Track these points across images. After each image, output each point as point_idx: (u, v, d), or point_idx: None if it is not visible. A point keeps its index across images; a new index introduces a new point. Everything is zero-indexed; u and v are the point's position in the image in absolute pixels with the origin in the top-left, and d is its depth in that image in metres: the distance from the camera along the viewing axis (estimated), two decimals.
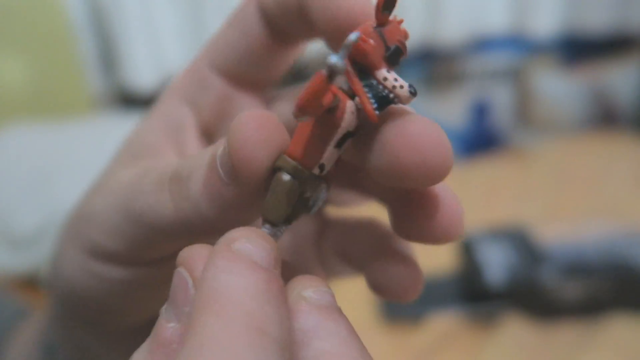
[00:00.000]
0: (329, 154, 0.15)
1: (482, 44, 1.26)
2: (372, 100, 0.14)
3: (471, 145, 1.31)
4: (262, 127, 0.14)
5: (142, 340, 0.18)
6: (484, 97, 1.31)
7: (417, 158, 0.14)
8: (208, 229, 0.16)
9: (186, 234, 0.16)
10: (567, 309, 0.66)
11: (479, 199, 0.98)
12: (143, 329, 0.21)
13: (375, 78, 0.14)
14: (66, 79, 1.06)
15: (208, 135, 0.20)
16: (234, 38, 0.19)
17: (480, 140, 1.32)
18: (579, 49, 1.31)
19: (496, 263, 0.70)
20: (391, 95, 0.14)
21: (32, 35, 1.02)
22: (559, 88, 1.28)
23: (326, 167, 0.15)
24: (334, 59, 0.12)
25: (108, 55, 1.08)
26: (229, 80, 0.19)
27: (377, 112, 0.14)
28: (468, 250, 0.73)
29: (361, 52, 0.14)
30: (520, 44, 1.28)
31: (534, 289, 0.66)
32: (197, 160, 0.16)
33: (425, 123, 0.14)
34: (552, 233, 0.76)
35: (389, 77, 0.14)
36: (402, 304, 0.72)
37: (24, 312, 0.36)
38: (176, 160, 0.17)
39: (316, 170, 0.15)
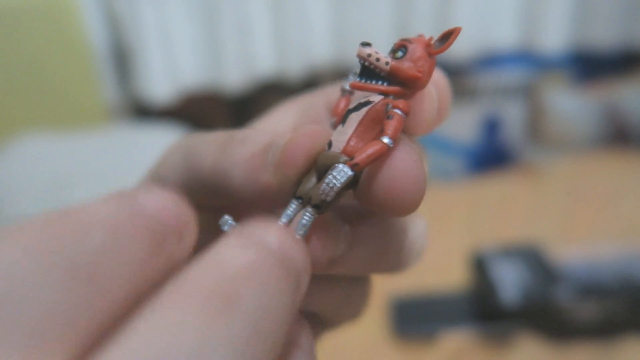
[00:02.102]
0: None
1: (492, 60, 1.26)
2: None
3: (482, 161, 1.30)
4: (310, 147, 0.16)
5: None
6: (495, 113, 1.31)
7: (391, 180, 0.15)
8: (232, 189, 0.18)
9: (218, 185, 0.18)
10: (581, 329, 0.65)
11: (491, 216, 0.98)
12: None
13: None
14: (82, 89, 1.07)
15: None
16: None
17: (491, 156, 1.32)
18: (590, 65, 1.31)
19: (510, 281, 0.69)
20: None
21: (49, 46, 1.03)
22: (570, 105, 1.28)
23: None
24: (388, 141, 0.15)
25: (124, 67, 1.09)
26: (330, 109, 0.21)
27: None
28: (481, 268, 0.73)
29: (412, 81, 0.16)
30: (529, 60, 1.28)
31: (548, 308, 0.66)
32: (258, 134, 0.18)
33: (404, 154, 0.16)
34: (566, 252, 0.76)
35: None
36: (413, 317, 0.71)
37: None
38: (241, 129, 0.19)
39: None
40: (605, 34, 1.23)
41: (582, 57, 1.30)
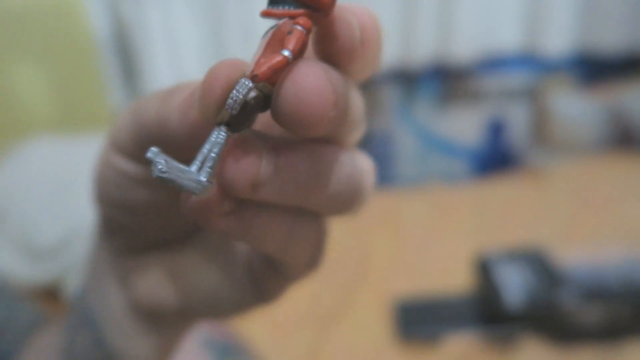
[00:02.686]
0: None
1: (495, 62, 1.27)
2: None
3: (487, 164, 1.31)
4: (226, 74, 0.16)
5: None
6: (500, 115, 1.32)
7: (290, 92, 0.16)
8: (171, 136, 0.18)
9: (160, 135, 0.19)
10: (586, 332, 0.66)
11: (495, 218, 0.98)
12: (162, 245, 0.24)
13: None
14: (88, 92, 1.08)
15: None
16: None
17: (496, 158, 1.32)
18: (594, 68, 1.31)
19: (514, 285, 0.69)
20: None
21: (55, 49, 1.04)
22: (575, 108, 1.28)
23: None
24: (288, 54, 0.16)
25: (129, 70, 1.10)
26: None
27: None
28: (486, 271, 0.73)
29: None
30: (533, 63, 1.28)
31: (553, 312, 0.66)
32: (190, 84, 0.19)
33: (305, 68, 0.16)
34: (570, 255, 0.76)
35: None
36: (418, 320, 0.71)
37: (41, 319, 0.36)
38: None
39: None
40: (610, 38, 1.23)
41: (586, 60, 1.30)
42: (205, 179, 0.16)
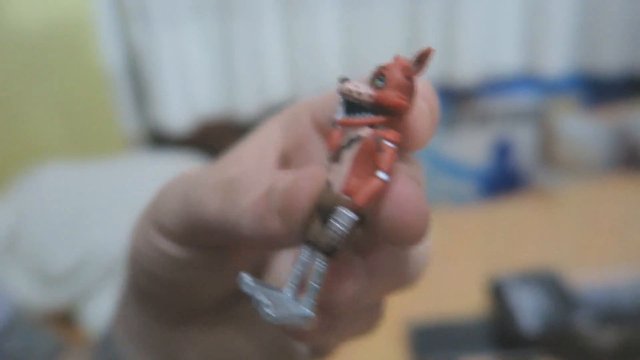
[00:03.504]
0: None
1: (498, 85, 1.28)
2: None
3: (494, 185, 1.31)
4: (314, 187, 0.16)
5: (199, 328, 0.22)
6: (506, 137, 1.32)
7: (390, 217, 0.16)
8: (240, 237, 0.18)
9: (224, 234, 0.18)
10: (602, 355, 0.65)
11: (506, 240, 0.98)
12: (197, 319, 0.23)
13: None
14: (99, 118, 1.09)
15: (284, 158, 0.23)
16: (330, 104, 0.21)
17: (503, 180, 1.32)
18: (596, 89, 1.32)
19: (528, 308, 0.69)
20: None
21: (66, 75, 1.05)
22: (581, 129, 1.29)
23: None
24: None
25: (141, 95, 1.11)
26: (315, 123, 0.22)
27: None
28: (499, 294, 0.73)
29: (394, 108, 0.17)
30: (536, 85, 1.29)
31: (568, 335, 0.65)
32: (256, 180, 0.18)
33: (403, 187, 0.16)
34: (583, 278, 0.76)
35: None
36: (432, 344, 0.71)
37: (61, 347, 0.37)
38: (239, 171, 0.19)
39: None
40: (610, 58, 1.24)
41: (588, 81, 1.31)
42: (311, 312, 0.16)
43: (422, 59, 0.17)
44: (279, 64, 1.12)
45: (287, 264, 0.22)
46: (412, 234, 0.16)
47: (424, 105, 0.18)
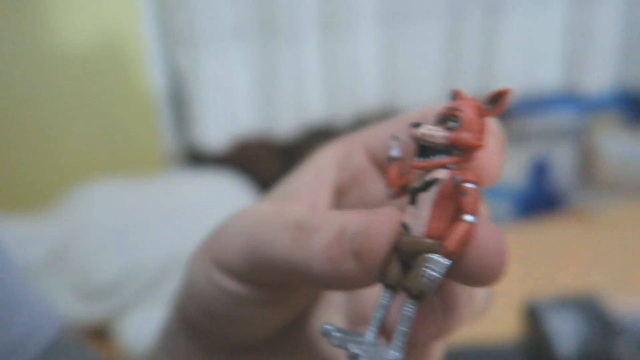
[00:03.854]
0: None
1: (538, 102, 1.26)
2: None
3: (532, 206, 1.29)
4: (390, 230, 0.16)
5: None
6: (544, 156, 1.30)
7: (476, 260, 0.16)
8: (311, 279, 0.18)
9: (294, 275, 0.18)
10: None
11: (543, 262, 0.96)
12: (249, 350, 0.23)
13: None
14: (142, 138, 1.13)
15: (339, 194, 0.23)
16: (385, 135, 0.21)
17: (541, 200, 1.30)
18: (638, 107, 1.29)
19: (566, 333, 0.68)
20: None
21: (112, 94, 1.09)
22: (623, 148, 1.26)
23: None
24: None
25: (182, 116, 1.15)
26: (369, 157, 0.22)
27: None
28: (535, 319, 0.71)
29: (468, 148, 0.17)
30: (577, 102, 1.27)
31: None
32: (326, 221, 0.18)
33: (488, 231, 0.16)
34: (625, 303, 0.74)
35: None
36: None
37: None
38: (306, 211, 0.20)
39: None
40: None
41: (631, 98, 1.28)
42: (402, 355, 0.16)
43: (499, 98, 0.17)
44: (318, 85, 1.13)
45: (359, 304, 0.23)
46: (493, 276, 0.16)
47: (494, 141, 0.18)
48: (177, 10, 1.05)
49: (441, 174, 0.17)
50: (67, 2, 1.01)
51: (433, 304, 0.17)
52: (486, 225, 0.16)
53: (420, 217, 0.16)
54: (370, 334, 0.17)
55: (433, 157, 0.17)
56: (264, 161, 1.20)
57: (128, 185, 1.00)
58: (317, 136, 1.17)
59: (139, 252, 0.87)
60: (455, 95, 0.18)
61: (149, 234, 0.89)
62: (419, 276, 0.16)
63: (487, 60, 1.18)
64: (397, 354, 0.16)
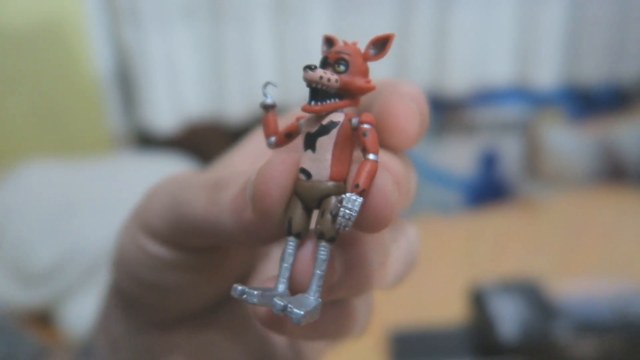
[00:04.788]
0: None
1: (488, 96, 1.29)
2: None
3: (480, 195, 1.32)
4: (283, 172, 0.16)
5: (185, 332, 0.22)
6: (493, 147, 1.33)
7: (373, 201, 0.16)
8: (224, 235, 0.18)
9: (210, 233, 0.18)
10: None
11: (489, 250, 0.99)
12: (184, 325, 0.23)
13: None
14: (86, 119, 1.09)
15: None
16: None
17: (489, 190, 1.33)
18: (583, 102, 1.34)
19: (508, 317, 0.70)
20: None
21: (56, 74, 1.05)
22: (567, 141, 1.30)
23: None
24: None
25: (128, 95, 1.11)
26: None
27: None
28: (480, 303, 0.73)
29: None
30: (525, 96, 1.31)
31: (547, 344, 0.66)
32: (237, 176, 0.18)
33: (380, 180, 0.16)
34: (564, 288, 0.76)
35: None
36: (412, 351, 0.71)
37: (43, 353, 0.36)
38: (225, 172, 0.20)
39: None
40: (594, 71, 1.27)
41: (575, 94, 1.33)
42: (320, 300, 0.16)
43: (380, 42, 0.17)
44: (269, 68, 1.12)
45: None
46: (374, 224, 0.16)
47: (414, 105, 0.18)
48: None
49: (338, 117, 0.17)
50: None
51: (344, 253, 0.17)
52: (385, 179, 0.16)
53: (322, 160, 0.17)
54: (281, 286, 0.16)
55: (328, 101, 0.17)
56: (214, 145, 1.17)
57: (70, 165, 0.96)
58: None
59: (80, 236, 0.84)
60: (330, 41, 0.18)
61: (90, 216, 0.85)
62: (335, 216, 0.16)
63: (438, 53, 1.19)
64: (317, 299, 0.16)
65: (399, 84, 0.19)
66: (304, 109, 0.17)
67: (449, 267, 0.92)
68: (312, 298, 0.16)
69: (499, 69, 1.24)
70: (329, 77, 0.17)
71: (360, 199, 0.16)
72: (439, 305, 0.81)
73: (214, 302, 0.23)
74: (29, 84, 1.04)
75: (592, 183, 1.26)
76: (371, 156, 0.16)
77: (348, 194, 0.16)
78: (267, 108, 0.19)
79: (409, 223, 0.21)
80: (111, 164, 1.01)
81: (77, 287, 0.83)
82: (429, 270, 0.92)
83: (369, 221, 0.16)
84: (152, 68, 1.05)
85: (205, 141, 1.19)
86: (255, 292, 0.16)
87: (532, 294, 0.73)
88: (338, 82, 0.17)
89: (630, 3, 1.21)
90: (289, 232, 0.17)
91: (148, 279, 0.21)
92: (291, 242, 0.17)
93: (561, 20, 1.21)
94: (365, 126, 0.17)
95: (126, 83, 1.10)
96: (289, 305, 0.15)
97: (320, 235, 0.16)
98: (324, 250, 0.16)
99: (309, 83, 0.17)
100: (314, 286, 0.16)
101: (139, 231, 0.21)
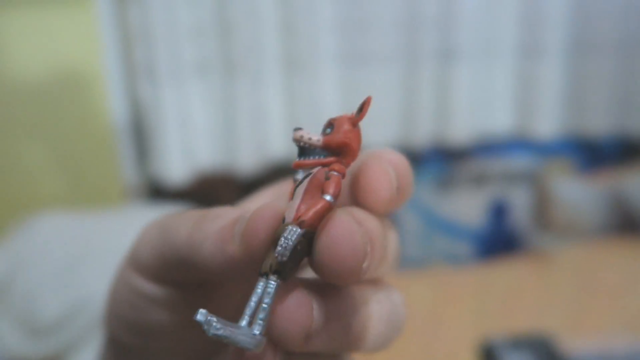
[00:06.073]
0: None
1: (492, 147, 1.30)
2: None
3: (490, 247, 1.31)
4: (272, 218, 0.17)
5: None
6: (502, 198, 1.33)
7: (326, 252, 0.16)
8: (199, 264, 0.19)
9: (192, 262, 0.19)
10: None
11: (500, 303, 0.97)
12: None
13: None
14: (100, 170, 1.11)
15: None
16: None
17: (499, 241, 1.32)
18: (589, 154, 1.35)
19: None
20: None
21: (71, 126, 1.08)
22: (576, 192, 1.30)
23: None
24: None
25: (143, 149, 1.14)
26: None
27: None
28: (491, 357, 0.72)
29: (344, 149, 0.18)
30: (529, 147, 1.32)
31: None
32: (227, 211, 0.19)
33: (340, 219, 0.16)
34: (577, 343, 0.75)
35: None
36: None
37: None
38: (216, 208, 0.20)
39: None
40: (599, 122, 1.28)
41: (579, 144, 1.34)
42: (259, 333, 0.16)
43: (362, 107, 0.19)
44: (279, 122, 1.15)
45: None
46: (341, 268, 0.16)
47: (389, 169, 0.19)
48: (139, 43, 1.05)
49: (316, 169, 0.18)
50: (25, 33, 1.01)
51: (305, 296, 0.17)
52: (342, 219, 0.16)
53: (292, 206, 0.18)
54: (243, 321, 0.17)
55: (311, 157, 0.18)
56: (224, 196, 1.19)
57: (82, 217, 0.97)
58: (278, 173, 1.17)
59: (89, 287, 0.84)
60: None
61: (100, 268, 0.85)
62: (275, 247, 0.16)
63: (441, 105, 1.22)
64: (255, 331, 0.16)
65: (383, 151, 0.20)
66: (293, 165, 0.19)
67: (459, 320, 0.91)
68: (253, 330, 0.16)
69: (500, 120, 1.27)
70: (310, 136, 0.18)
71: (299, 230, 0.16)
72: (450, 359, 0.79)
73: (201, 356, 0.23)
74: (46, 134, 1.06)
75: (604, 234, 1.24)
76: (325, 196, 0.17)
77: (290, 226, 0.17)
78: (296, 181, 0.20)
79: (394, 288, 0.21)
80: (122, 216, 1.02)
81: (85, 339, 0.82)
82: (439, 323, 0.91)
83: (327, 261, 0.16)
84: (165, 121, 1.08)
85: (216, 192, 1.20)
86: (215, 319, 0.16)
87: (544, 350, 0.72)
88: (319, 140, 0.18)
89: (634, 55, 1.24)
90: (260, 272, 0.17)
91: (136, 320, 0.21)
92: (260, 282, 0.17)
93: (561, 72, 1.24)
94: (332, 172, 0.18)
95: (140, 135, 1.13)
96: (211, 319, 0.16)
97: (270, 270, 0.17)
98: (271, 283, 0.17)
99: (295, 142, 0.18)
100: (258, 319, 0.17)
101: (129, 268, 0.21)
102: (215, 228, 0.18)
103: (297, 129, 0.18)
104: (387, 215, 0.20)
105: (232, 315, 0.23)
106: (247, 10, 1.06)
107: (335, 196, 0.17)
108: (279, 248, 0.16)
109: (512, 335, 0.76)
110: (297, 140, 0.18)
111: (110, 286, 0.23)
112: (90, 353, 0.81)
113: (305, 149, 0.18)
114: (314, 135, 0.18)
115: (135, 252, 0.21)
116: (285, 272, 0.17)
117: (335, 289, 0.18)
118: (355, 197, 0.18)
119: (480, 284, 1.05)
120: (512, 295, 0.99)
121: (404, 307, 0.21)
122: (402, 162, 0.20)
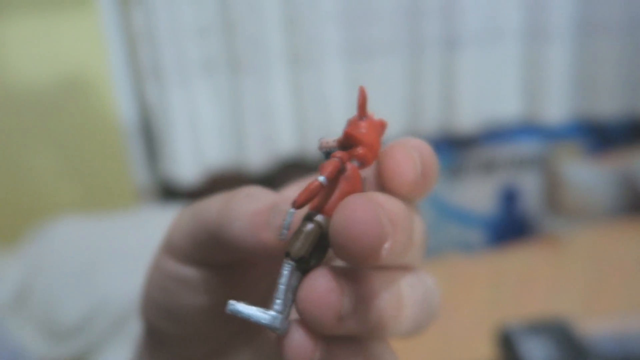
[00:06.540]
0: None
1: (501, 133, 1.30)
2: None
3: (502, 233, 1.31)
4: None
5: None
6: (512, 184, 1.33)
7: (342, 233, 0.16)
8: (228, 243, 0.19)
9: (222, 239, 0.19)
10: None
11: (514, 288, 0.98)
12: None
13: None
14: (113, 173, 1.12)
15: None
16: None
17: (511, 227, 1.32)
18: (598, 136, 1.34)
19: (538, 357, 0.68)
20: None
21: (81, 130, 1.09)
22: (586, 175, 1.30)
23: None
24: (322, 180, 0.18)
25: (153, 151, 1.14)
26: None
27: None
28: (508, 344, 0.72)
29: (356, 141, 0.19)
30: (538, 132, 1.31)
31: None
32: (260, 193, 0.19)
33: (356, 200, 0.16)
34: (594, 326, 0.75)
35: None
36: None
37: None
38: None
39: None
40: (608, 104, 1.27)
41: (589, 127, 1.33)
42: (280, 314, 0.17)
43: (359, 100, 0.20)
44: (287, 118, 1.15)
45: None
46: (358, 248, 0.16)
47: (414, 153, 0.19)
48: (143, 45, 1.06)
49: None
50: (29, 39, 1.01)
51: (334, 280, 0.17)
52: (357, 197, 0.17)
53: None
54: (275, 305, 0.17)
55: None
56: None
57: (96, 221, 0.98)
58: (289, 168, 1.17)
59: (107, 289, 0.85)
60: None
61: (116, 270, 0.87)
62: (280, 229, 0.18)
63: (447, 93, 1.21)
64: (273, 312, 0.17)
65: (408, 139, 0.20)
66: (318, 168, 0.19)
67: (475, 307, 0.92)
68: (270, 312, 0.17)
69: (507, 106, 1.26)
70: (327, 140, 0.19)
71: (292, 210, 0.17)
72: (466, 347, 0.80)
73: (235, 339, 0.23)
74: (56, 140, 1.07)
75: (615, 216, 1.24)
76: (319, 177, 0.18)
77: (288, 209, 0.18)
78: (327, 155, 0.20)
79: (427, 272, 0.21)
80: (136, 217, 1.03)
81: (105, 341, 0.83)
82: (454, 311, 0.91)
83: (341, 242, 0.16)
84: (174, 121, 1.08)
85: (227, 190, 1.21)
86: (243, 303, 0.17)
87: (561, 334, 0.72)
88: (335, 141, 0.19)
89: None
90: (286, 254, 0.18)
91: (170, 305, 0.22)
92: (285, 264, 0.17)
93: (567, 55, 1.23)
94: (333, 159, 0.18)
95: (149, 137, 1.14)
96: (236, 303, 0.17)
97: (289, 253, 0.17)
98: (286, 265, 0.17)
99: (319, 150, 0.19)
100: (276, 299, 0.17)
101: (162, 253, 0.22)
102: (248, 209, 0.19)
103: (320, 139, 0.19)
104: (412, 201, 0.20)
105: (263, 298, 0.23)
106: (251, 6, 1.07)
107: (329, 178, 0.18)
108: (280, 229, 0.18)
109: (528, 320, 0.77)
110: (321, 148, 0.19)
111: (145, 274, 0.23)
112: (112, 354, 0.82)
113: (329, 154, 0.19)
114: (333, 141, 0.19)
115: (168, 237, 0.22)
116: (300, 258, 0.17)
117: (365, 273, 0.18)
118: (381, 184, 0.18)
119: (494, 271, 1.05)
120: (526, 281, 0.99)
121: (438, 292, 0.21)
122: (427, 148, 0.20)
